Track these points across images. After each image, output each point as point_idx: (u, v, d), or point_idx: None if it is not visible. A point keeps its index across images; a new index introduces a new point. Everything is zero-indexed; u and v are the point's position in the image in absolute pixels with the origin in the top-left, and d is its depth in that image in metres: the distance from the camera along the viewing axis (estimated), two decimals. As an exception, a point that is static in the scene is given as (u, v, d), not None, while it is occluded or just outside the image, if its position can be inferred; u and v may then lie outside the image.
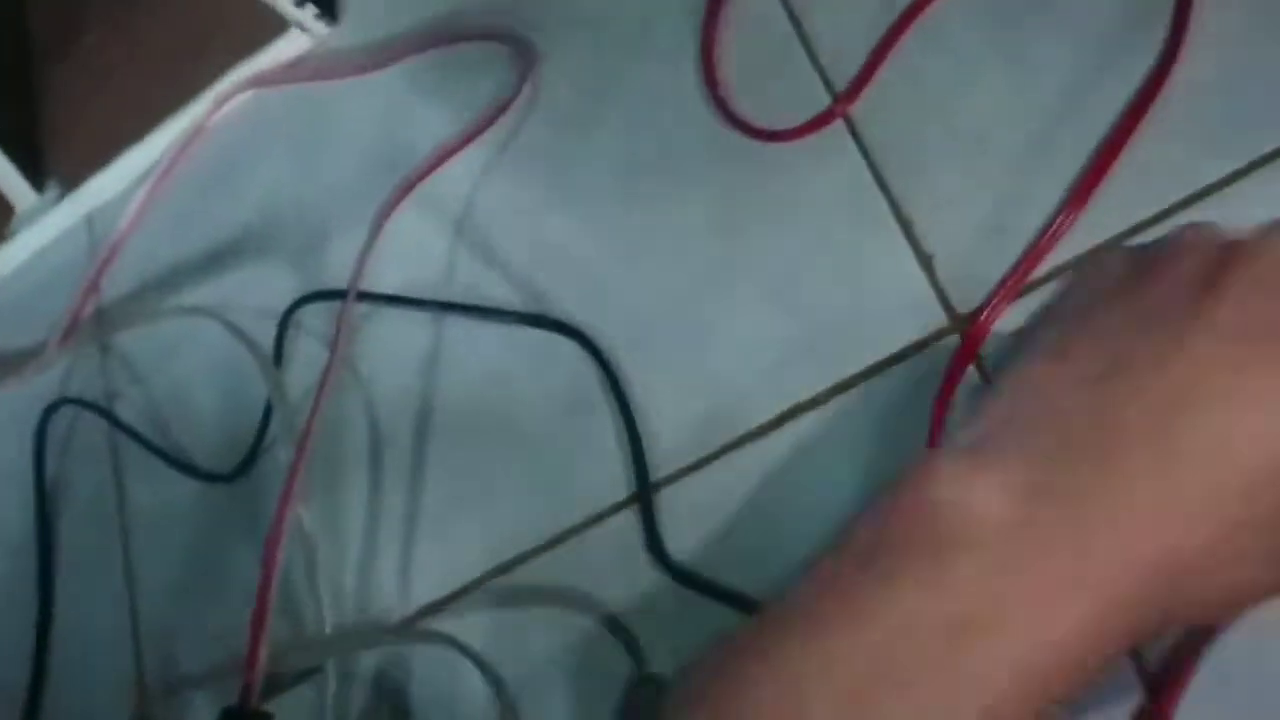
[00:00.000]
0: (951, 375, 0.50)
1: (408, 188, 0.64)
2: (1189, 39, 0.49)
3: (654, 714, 0.43)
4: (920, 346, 0.51)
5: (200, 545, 0.67)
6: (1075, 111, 0.51)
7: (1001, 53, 0.53)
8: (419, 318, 0.64)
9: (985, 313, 0.50)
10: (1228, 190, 0.47)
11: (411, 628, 0.57)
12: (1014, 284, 0.50)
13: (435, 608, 0.58)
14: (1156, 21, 0.50)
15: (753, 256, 0.56)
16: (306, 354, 0.66)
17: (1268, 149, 0.47)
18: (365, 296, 0.63)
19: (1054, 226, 0.50)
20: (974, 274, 0.51)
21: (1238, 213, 0.45)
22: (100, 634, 0.69)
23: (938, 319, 0.51)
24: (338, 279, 0.65)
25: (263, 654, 0.53)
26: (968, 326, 0.50)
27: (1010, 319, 0.50)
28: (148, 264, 0.76)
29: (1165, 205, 0.48)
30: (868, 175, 0.55)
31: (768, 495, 0.52)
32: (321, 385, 0.58)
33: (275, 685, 0.57)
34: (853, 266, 0.54)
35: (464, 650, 0.51)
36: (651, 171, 0.60)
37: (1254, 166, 0.47)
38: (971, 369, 0.50)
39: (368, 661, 0.58)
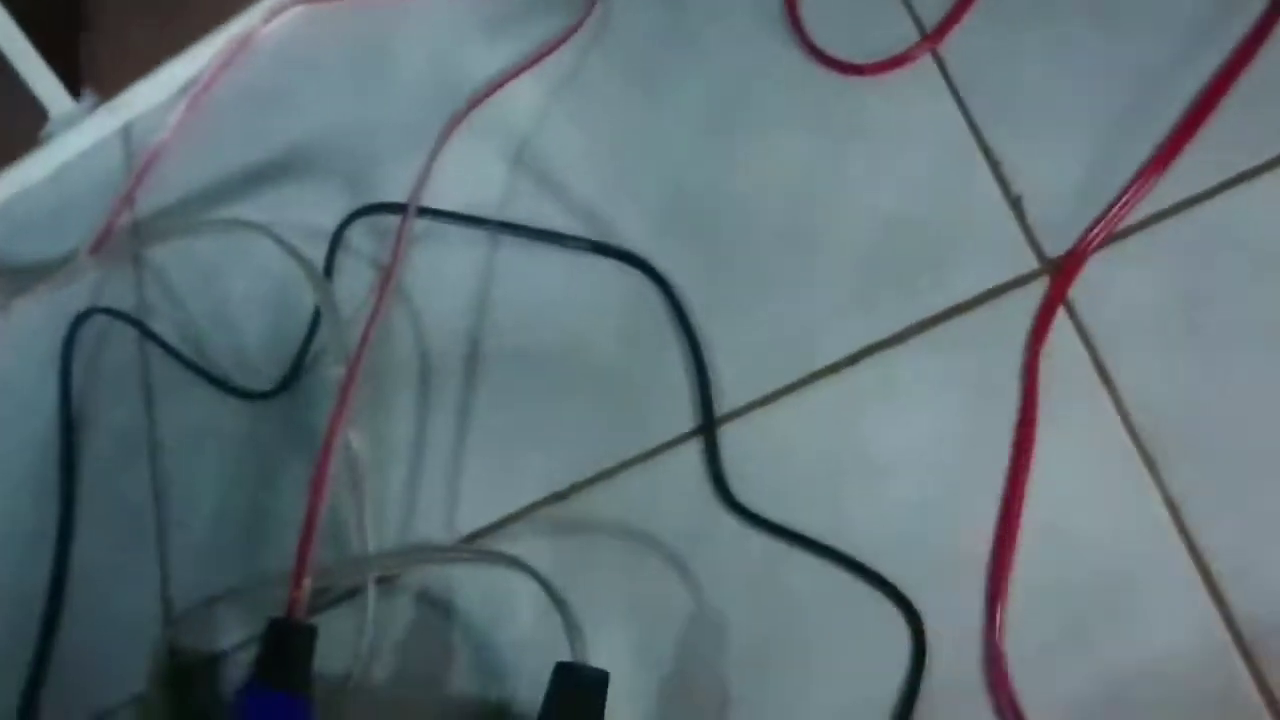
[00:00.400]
0: (1043, 318, 0.49)
1: (470, 107, 0.63)
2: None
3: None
4: (1007, 288, 0.50)
5: (235, 466, 0.65)
6: (1167, 73, 0.50)
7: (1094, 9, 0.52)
8: (476, 239, 0.62)
9: (1074, 256, 0.49)
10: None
11: (469, 546, 0.55)
12: (1104, 230, 0.49)
13: (483, 534, 0.56)
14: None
15: (834, 192, 0.55)
16: (356, 273, 0.64)
17: None
18: (425, 212, 0.61)
19: (1144, 175, 0.49)
20: (1063, 218, 0.50)
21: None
22: (125, 555, 0.67)
23: (1026, 261, 0.50)
24: (390, 200, 0.63)
25: (309, 567, 0.51)
26: (1056, 270, 0.49)
27: (1100, 264, 0.49)
28: (189, 178, 0.74)
29: (1252, 164, 0.47)
30: (957, 113, 0.54)
31: (838, 436, 0.51)
32: (380, 296, 0.56)
33: (319, 604, 0.56)
34: (938, 204, 0.52)
35: (528, 570, 0.49)
36: (730, 106, 0.59)
37: None
38: (1061, 311, 0.49)
39: (410, 586, 0.57)
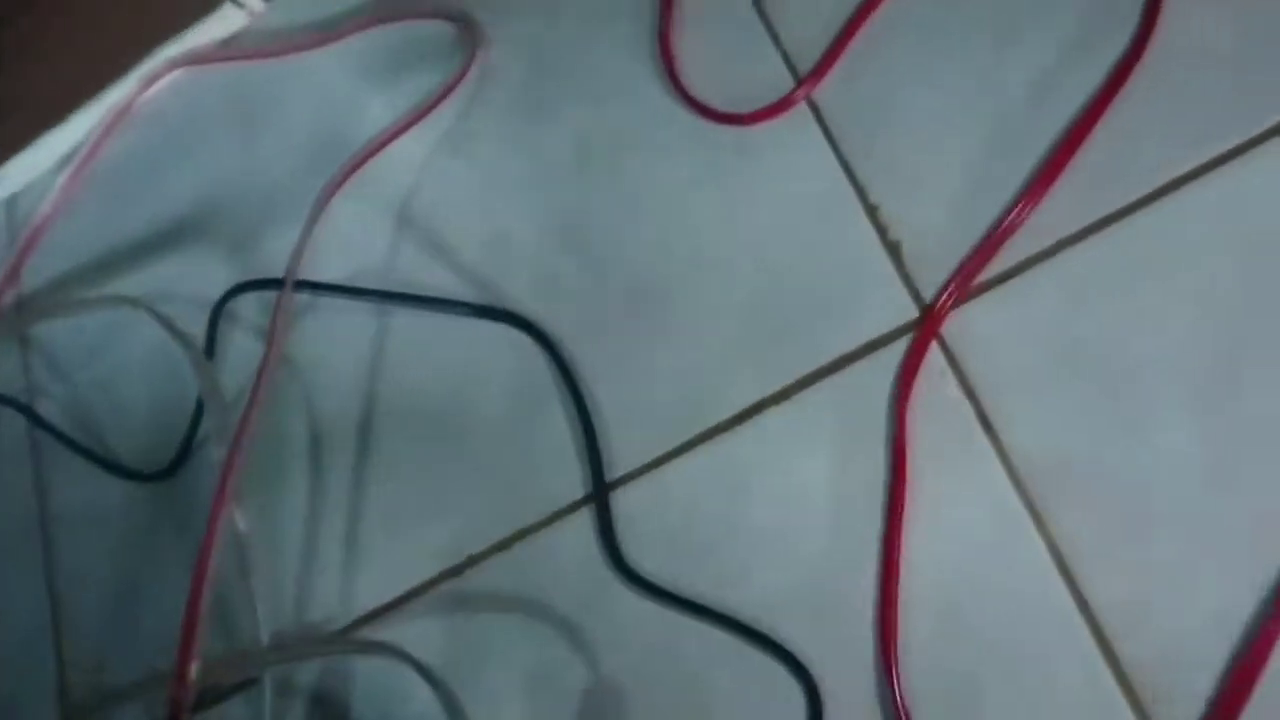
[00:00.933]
0: (909, 365, 0.48)
1: (349, 172, 0.61)
2: (1157, 33, 0.48)
3: None
4: (889, 338, 0.49)
5: (128, 549, 0.63)
6: (1042, 99, 0.50)
7: (968, 38, 0.52)
8: (361, 309, 0.60)
9: (940, 303, 0.48)
10: (1183, 190, 0.46)
11: (353, 637, 0.54)
12: (966, 275, 0.48)
13: (380, 614, 0.55)
14: (1128, 12, 0.49)
15: (712, 245, 0.54)
16: (242, 348, 0.63)
17: (1226, 148, 0.46)
18: (304, 285, 0.59)
19: (1009, 218, 0.48)
20: (941, 263, 0.49)
21: (1193, 210, 0.45)
22: (21, 644, 0.65)
23: (907, 308, 0.49)
24: (275, 269, 0.62)
25: (193, 665, 0.49)
26: (925, 316, 0.49)
27: (977, 310, 0.48)
28: (72, 252, 0.72)
29: (1122, 204, 0.47)
30: (833, 159, 0.53)
31: (726, 496, 0.50)
32: (258, 379, 0.54)
33: (208, 698, 0.54)
34: (818, 254, 0.52)
35: (411, 661, 0.48)
36: (605, 157, 0.58)
37: (1208, 167, 0.46)
38: (940, 357, 0.48)
39: (308, 673, 0.55)
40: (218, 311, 0.63)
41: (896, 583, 0.45)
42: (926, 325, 0.48)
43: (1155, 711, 0.41)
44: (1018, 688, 0.43)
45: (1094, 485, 0.44)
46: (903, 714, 0.44)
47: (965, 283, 0.48)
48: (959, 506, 0.46)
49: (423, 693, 0.51)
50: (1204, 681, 0.41)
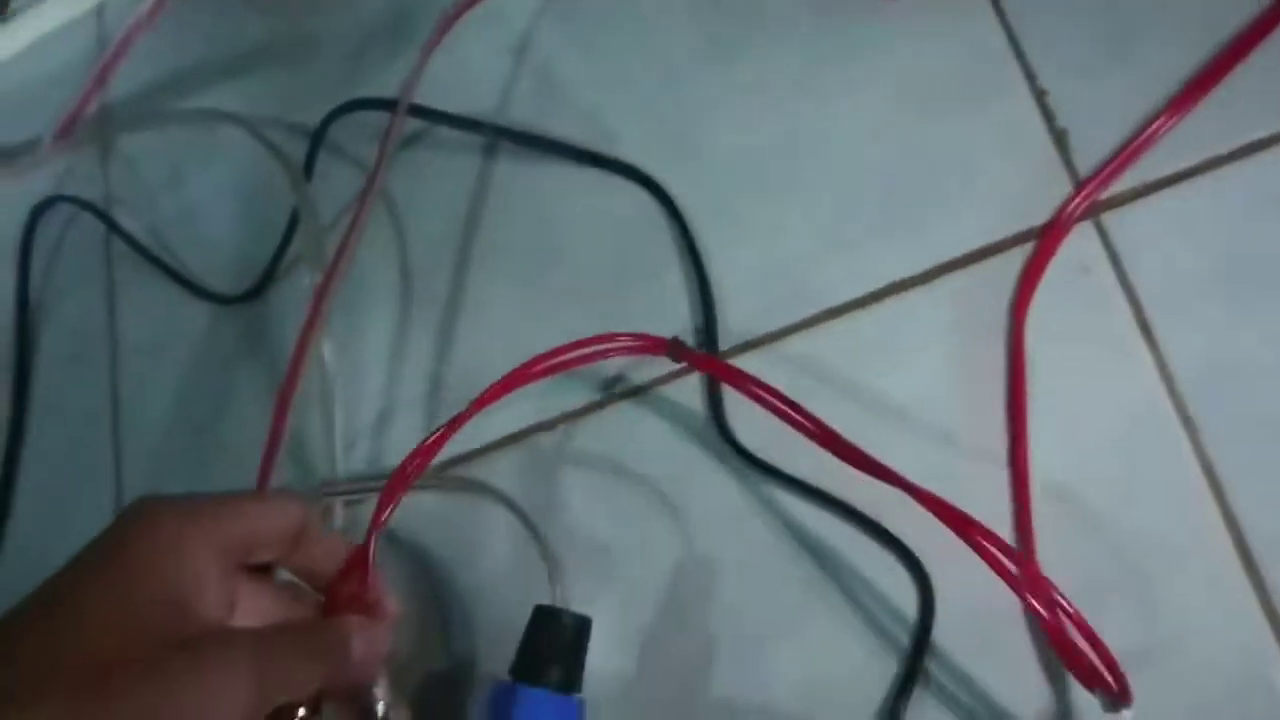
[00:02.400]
0: (1028, 278, 0.45)
1: (470, 2, 0.57)
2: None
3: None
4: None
5: (198, 372, 0.61)
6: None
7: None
8: (469, 145, 0.57)
9: (1063, 215, 0.45)
10: None
11: (441, 474, 0.52)
12: (1095, 186, 0.45)
13: (461, 462, 0.52)
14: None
15: (854, 118, 0.50)
16: (339, 175, 0.60)
17: None
18: (418, 111, 0.56)
19: (1177, 115, 0.45)
20: (1109, 156, 0.46)
21: None
22: (78, 465, 0.63)
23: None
24: (382, 95, 0.59)
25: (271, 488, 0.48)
26: (1047, 228, 0.45)
27: (1142, 210, 0.45)
28: (164, 64, 0.69)
29: (1264, 134, 0.43)
30: (1002, 36, 0.49)
31: (844, 379, 0.47)
32: (363, 200, 0.52)
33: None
34: (975, 134, 0.48)
35: (501, 497, 0.46)
36: (741, 16, 0.54)
37: None
38: (1103, 256, 0.45)
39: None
40: (321, 131, 0.60)
41: (1026, 484, 0.43)
42: (1043, 240, 0.45)
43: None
44: (1148, 601, 0.40)
45: (1255, 404, 0.41)
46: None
47: (1084, 198, 0.45)
48: (1106, 411, 0.43)
49: (500, 550, 0.49)
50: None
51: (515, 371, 0.43)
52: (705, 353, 0.47)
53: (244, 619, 0.34)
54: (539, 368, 0.43)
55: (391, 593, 0.38)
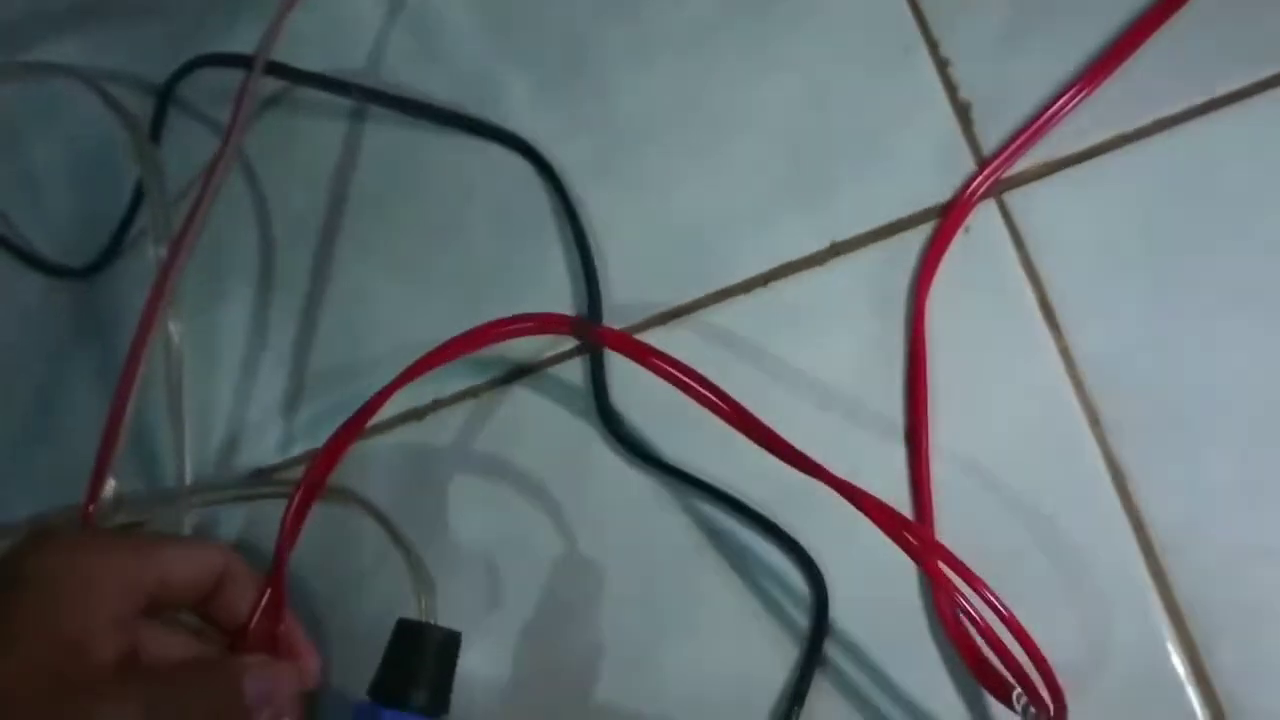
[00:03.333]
0: (930, 257, 0.43)
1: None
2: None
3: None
4: (944, 209, 0.44)
5: (39, 357, 0.55)
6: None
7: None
8: (335, 107, 0.53)
9: (966, 193, 0.43)
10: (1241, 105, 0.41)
11: (285, 479, 0.47)
12: (998, 165, 0.43)
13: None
14: None
15: (754, 88, 0.47)
16: (191, 136, 0.55)
17: None
18: (277, 69, 0.51)
19: (1083, 89, 0.43)
20: (1013, 130, 0.44)
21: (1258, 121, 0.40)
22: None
23: (969, 175, 0.44)
24: (239, 50, 0.54)
25: (109, 485, 0.43)
26: (949, 207, 0.43)
27: (1044, 191, 0.43)
28: (-2, 11, 0.62)
29: (1224, 91, 0.42)
30: (903, 1, 0.46)
31: (735, 363, 0.44)
32: (213, 167, 0.46)
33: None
34: (876, 105, 0.46)
35: (365, 505, 0.42)
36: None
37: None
38: (1009, 242, 0.42)
39: (234, 517, 0.49)
40: (168, 90, 0.54)
41: (925, 465, 0.41)
42: (947, 217, 0.43)
43: (1202, 645, 0.37)
44: (1048, 590, 0.39)
45: (1158, 388, 0.39)
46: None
47: (985, 179, 0.43)
48: (1008, 393, 0.41)
49: (366, 555, 0.46)
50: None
51: (419, 362, 0.40)
52: (613, 329, 0.43)
53: (149, 661, 0.33)
54: (438, 357, 0.40)
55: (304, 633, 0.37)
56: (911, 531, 0.35)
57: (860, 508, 0.35)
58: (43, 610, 0.31)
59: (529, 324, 0.42)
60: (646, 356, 0.40)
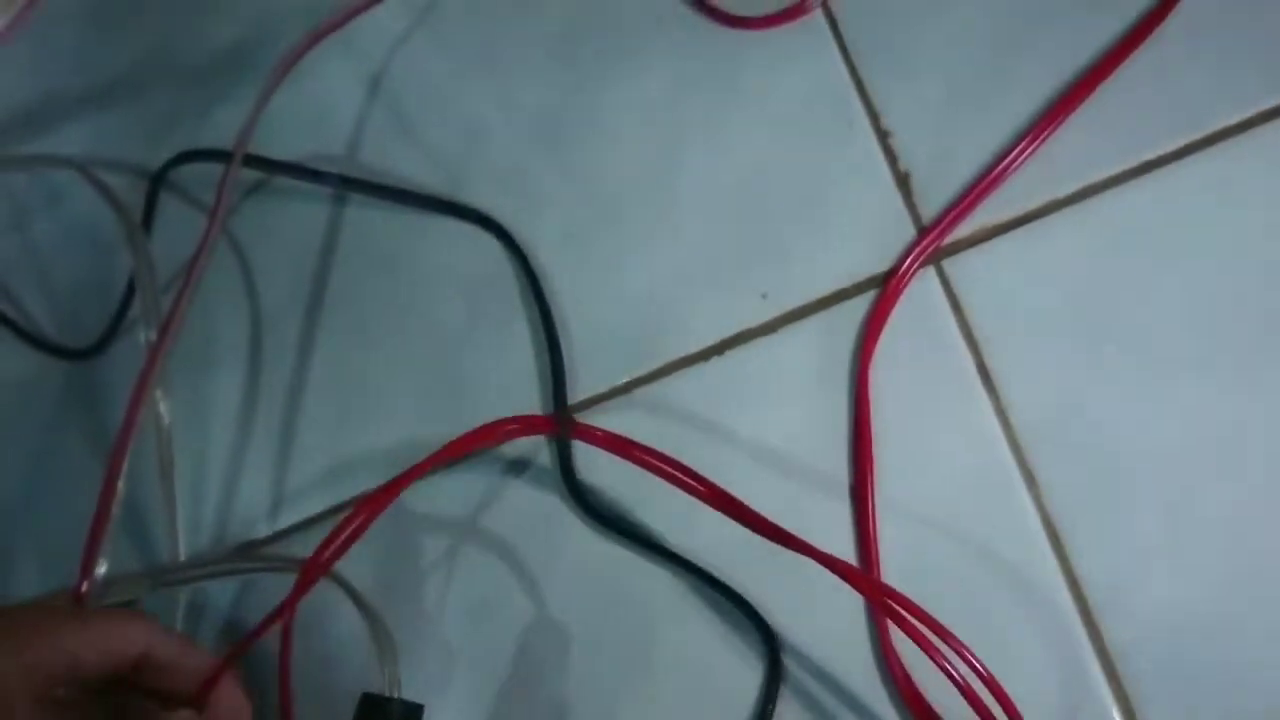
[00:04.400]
0: (872, 325, 0.44)
1: (314, 39, 0.55)
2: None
3: None
4: (887, 277, 0.45)
5: (39, 436, 0.58)
6: (1066, 43, 0.46)
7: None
8: (315, 194, 0.55)
9: (906, 262, 0.45)
10: (1216, 148, 0.43)
11: (273, 553, 0.50)
12: (937, 234, 0.45)
13: (308, 525, 0.50)
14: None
15: (701, 160, 0.49)
16: (183, 224, 0.58)
17: (1233, 120, 0.42)
18: (255, 161, 0.54)
19: (1020, 154, 0.44)
20: (953, 198, 0.45)
21: (1217, 173, 0.42)
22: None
23: (911, 242, 0.45)
24: (226, 141, 0.56)
25: (96, 581, 0.45)
26: (890, 276, 0.45)
27: (979, 257, 0.44)
28: (2, 102, 0.66)
29: (1157, 154, 0.43)
30: (845, 76, 0.48)
31: (695, 431, 0.46)
32: (195, 257, 0.49)
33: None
34: (819, 176, 0.47)
35: (337, 581, 0.44)
36: (595, 48, 0.53)
37: (1209, 141, 0.43)
38: (943, 300, 0.44)
39: (224, 591, 0.51)
40: (158, 181, 0.57)
41: (872, 534, 0.42)
42: (888, 287, 0.45)
43: (1133, 689, 0.38)
44: (992, 648, 0.40)
45: (1091, 450, 0.41)
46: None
47: (962, 217, 0.45)
48: (949, 460, 0.42)
49: (351, 614, 0.48)
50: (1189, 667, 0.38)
51: (410, 471, 0.42)
52: (595, 427, 0.45)
53: None
54: (429, 465, 0.42)
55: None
56: (891, 598, 0.37)
57: (839, 573, 0.37)
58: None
59: (515, 426, 0.45)
60: (629, 450, 0.42)
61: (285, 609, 0.39)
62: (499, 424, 0.44)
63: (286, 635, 0.39)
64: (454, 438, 0.43)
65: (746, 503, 0.40)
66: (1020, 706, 0.37)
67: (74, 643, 0.35)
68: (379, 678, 0.42)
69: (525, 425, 0.46)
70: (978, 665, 0.36)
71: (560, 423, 0.46)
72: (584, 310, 0.49)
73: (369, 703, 0.39)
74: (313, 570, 0.39)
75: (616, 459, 0.44)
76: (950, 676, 0.36)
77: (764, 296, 0.47)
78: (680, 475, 0.42)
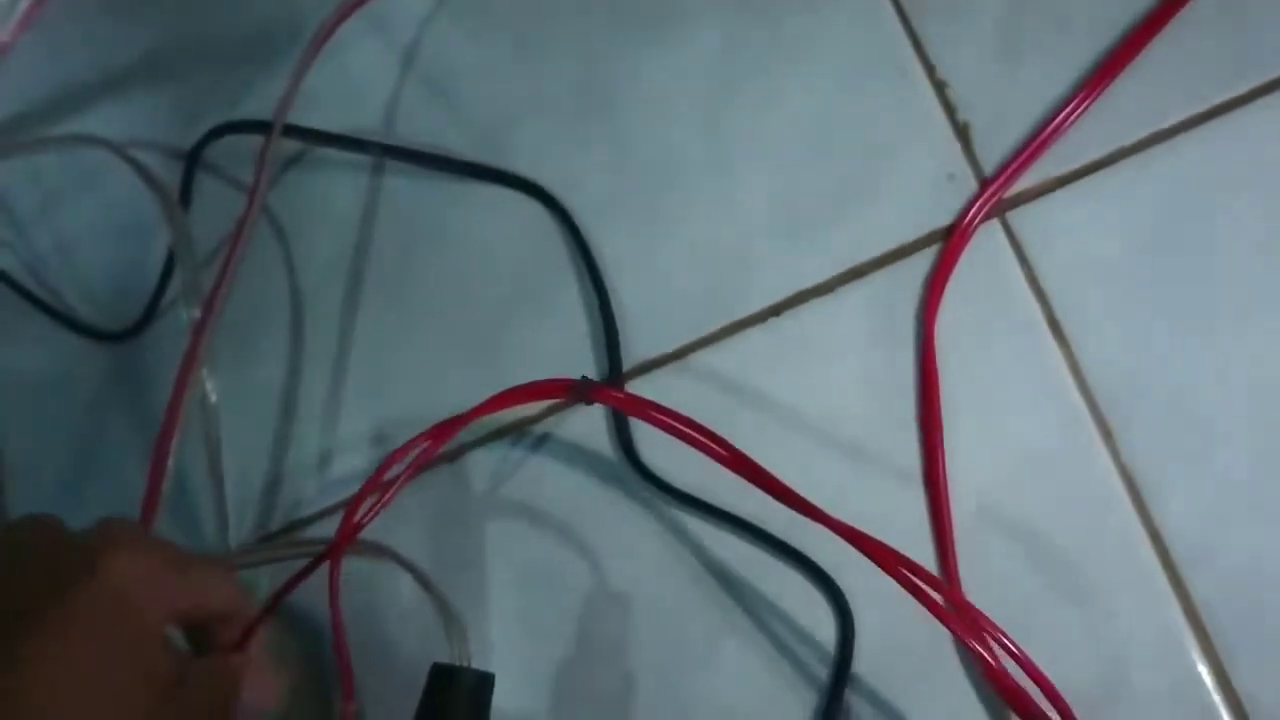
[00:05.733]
0: (935, 282, 0.43)
1: (348, 10, 0.54)
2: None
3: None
4: (947, 232, 0.44)
5: (81, 419, 0.57)
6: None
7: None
8: (355, 165, 0.54)
9: (969, 215, 0.43)
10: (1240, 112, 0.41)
11: (317, 538, 0.49)
12: (999, 184, 0.43)
13: (337, 510, 0.50)
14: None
15: (755, 115, 0.48)
16: (220, 200, 0.57)
17: None
18: (294, 131, 0.53)
19: (1081, 104, 0.43)
20: (1012, 148, 0.44)
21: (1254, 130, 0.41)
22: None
23: (971, 196, 0.44)
24: (262, 113, 0.55)
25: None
26: (952, 230, 0.44)
27: (1049, 207, 0.43)
28: (32, 85, 0.65)
29: (1172, 122, 0.42)
30: (898, 27, 0.47)
31: (752, 394, 0.45)
32: (238, 231, 0.48)
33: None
34: (875, 130, 0.46)
35: (396, 558, 0.43)
36: (639, 8, 0.52)
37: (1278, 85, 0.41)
38: (1009, 253, 0.43)
39: (278, 572, 0.50)
40: (194, 157, 0.56)
41: (945, 503, 0.41)
42: (950, 239, 0.43)
43: (1225, 658, 0.37)
44: (1078, 621, 0.39)
45: (1167, 399, 0.40)
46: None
47: (986, 200, 0.43)
48: (1022, 419, 0.41)
49: (408, 590, 0.47)
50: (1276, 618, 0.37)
51: (440, 428, 0.42)
52: (613, 388, 0.44)
53: None
54: (452, 428, 0.41)
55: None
56: (938, 589, 0.36)
57: (866, 553, 0.36)
58: (107, 608, 0.33)
59: (532, 391, 0.44)
60: (646, 411, 0.41)
61: (334, 550, 0.38)
62: (517, 390, 0.43)
63: (335, 568, 0.39)
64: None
65: (768, 469, 0.39)
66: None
67: (206, 587, 0.38)
68: (443, 652, 0.41)
69: (543, 390, 0.44)
70: (1010, 645, 0.35)
71: (577, 388, 0.44)
72: (635, 276, 0.48)
73: (440, 672, 0.38)
74: (361, 500, 0.39)
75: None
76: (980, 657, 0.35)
77: (822, 255, 0.45)
78: (699, 438, 0.40)
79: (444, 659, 0.39)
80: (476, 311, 0.51)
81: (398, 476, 0.39)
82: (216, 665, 0.38)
